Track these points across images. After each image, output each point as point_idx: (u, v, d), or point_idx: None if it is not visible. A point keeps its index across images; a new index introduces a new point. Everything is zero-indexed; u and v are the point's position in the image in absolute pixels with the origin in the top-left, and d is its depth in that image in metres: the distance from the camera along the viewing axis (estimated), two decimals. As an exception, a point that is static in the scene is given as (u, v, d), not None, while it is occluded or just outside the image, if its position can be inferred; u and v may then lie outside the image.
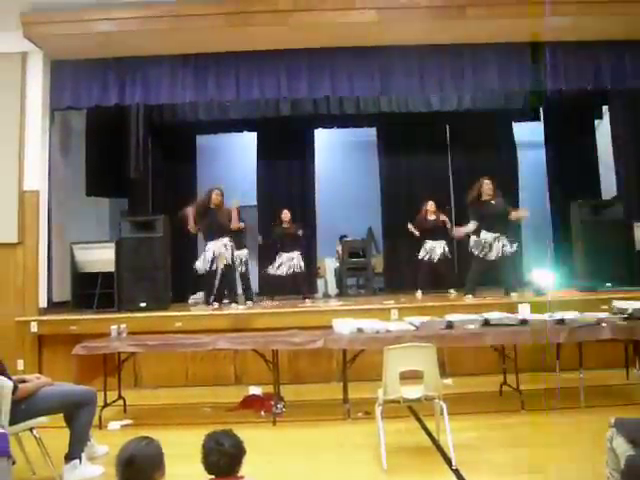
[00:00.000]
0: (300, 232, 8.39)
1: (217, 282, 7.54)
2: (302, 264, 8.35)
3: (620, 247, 7.26)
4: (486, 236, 7.05)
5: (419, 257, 8.25)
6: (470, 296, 7.03)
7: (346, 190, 10.53)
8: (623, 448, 2.79)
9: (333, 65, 7.24)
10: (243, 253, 7.99)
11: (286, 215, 8.41)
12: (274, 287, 8.66)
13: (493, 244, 7.01)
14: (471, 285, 7.20)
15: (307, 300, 7.99)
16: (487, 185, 7.16)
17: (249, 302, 7.55)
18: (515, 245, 7.05)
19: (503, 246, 6.98)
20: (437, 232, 8.19)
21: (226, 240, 7.21)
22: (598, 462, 3.46)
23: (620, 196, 8.43)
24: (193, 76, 7.18)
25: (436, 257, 8.14)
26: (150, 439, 2.27)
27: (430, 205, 8.28)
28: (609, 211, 7.56)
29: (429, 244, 8.20)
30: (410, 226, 8.31)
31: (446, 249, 8.20)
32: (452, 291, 7.91)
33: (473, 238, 7.16)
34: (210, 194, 7.30)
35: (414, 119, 9.43)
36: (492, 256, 7.00)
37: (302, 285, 8.44)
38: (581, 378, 4.81)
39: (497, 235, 7.02)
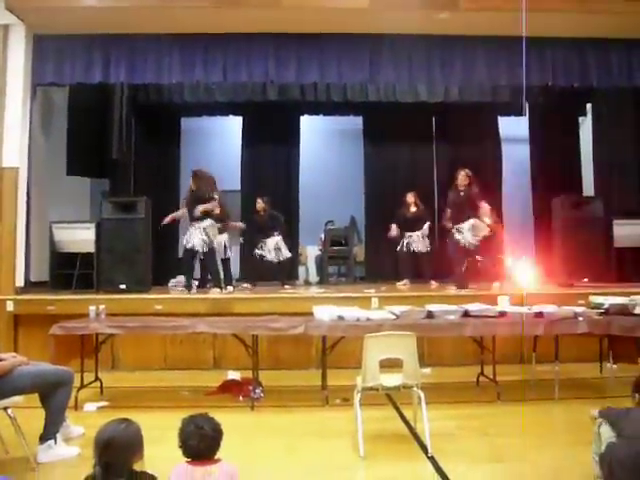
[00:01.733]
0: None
1: (198, 266, 7.49)
2: (287, 252, 8.32)
3: (599, 243, 7.37)
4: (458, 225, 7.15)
5: (398, 249, 8.29)
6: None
7: (330, 178, 10.50)
8: (607, 435, 2.88)
9: (322, 51, 7.20)
10: (224, 237, 7.92)
11: (259, 204, 8.37)
12: (255, 272, 8.61)
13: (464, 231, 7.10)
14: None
15: (286, 287, 7.98)
16: (460, 175, 7.27)
17: (229, 287, 7.52)
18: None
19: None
20: (417, 223, 8.22)
21: (207, 223, 7.13)
22: (569, 451, 3.57)
23: (600, 193, 8.54)
24: (180, 57, 7.08)
25: (416, 248, 8.17)
26: (129, 421, 2.26)
27: (409, 197, 8.31)
28: (589, 207, 7.67)
29: (408, 236, 8.23)
30: (393, 227, 8.27)
31: (426, 240, 8.23)
32: (433, 282, 7.95)
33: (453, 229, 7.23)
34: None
35: (401, 109, 9.41)
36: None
37: (282, 271, 8.43)
38: (556, 371, 4.88)
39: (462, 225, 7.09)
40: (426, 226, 8.20)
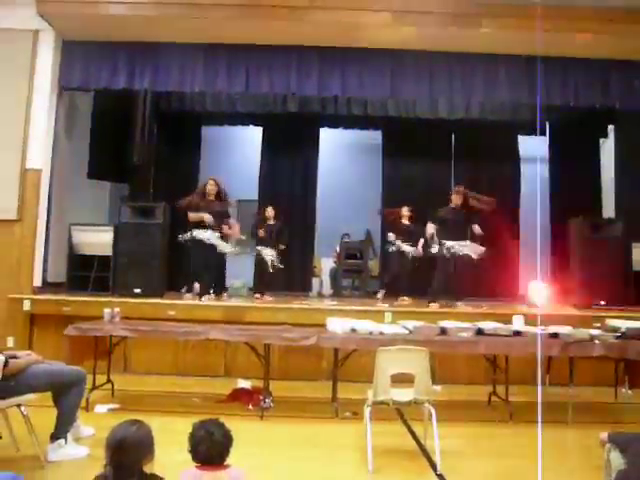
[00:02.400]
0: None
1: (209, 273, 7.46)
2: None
3: (617, 266, 7.27)
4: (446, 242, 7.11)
5: (389, 250, 8.36)
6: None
7: (347, 191, 10.54)
8: (617, 462, 2.84)
9: (344, 64, 7.25)
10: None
11: (269, 212, 8.26)
12: (267, 283, 8.56)
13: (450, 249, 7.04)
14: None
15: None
16: (454, 192, 7.30)
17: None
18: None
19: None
20: (410, 237, 8.19)
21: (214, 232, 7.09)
22: (580, 476, 3.51)
23: (620, 216, 8.45)
24: (203, 66, 7.18)
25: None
26: (141, 423, 2.27)
27: (405, 210, 8.31)
28: (608, 229, 7.58)
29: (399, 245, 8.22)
30: (390, 235, 8.32)
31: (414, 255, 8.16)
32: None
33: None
34: (205, 184, 7.28)
35: (420, 125, 9.43)
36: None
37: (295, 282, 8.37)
38: (571, 394, 4.81)
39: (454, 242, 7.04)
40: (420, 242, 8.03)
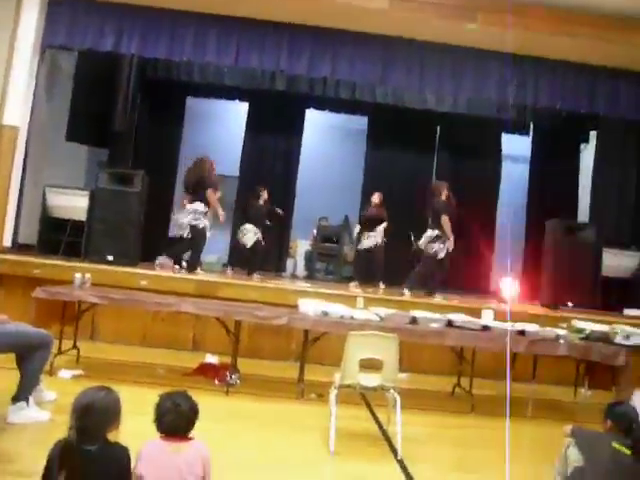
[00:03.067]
0: (280, 211, 8.36)
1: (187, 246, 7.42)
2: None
3: (587, 270, 7.41)
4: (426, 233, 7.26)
5: (357, 248, 8.40)
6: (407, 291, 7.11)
7: (329, 175, 10.51)
8: (575, 457, 2.91)
9: (336, 47, 7.20)
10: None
11: (264, 194, 8.23)
12: (242, 259, 8.51)
13: (427, 242, 7.19)
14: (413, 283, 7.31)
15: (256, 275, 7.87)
16: (434, 185, 7.46)
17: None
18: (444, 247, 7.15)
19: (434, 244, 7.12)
20: (374, 224, 8.18)
21: (198, 206, 7.09)
22: (535, 468, 3.61)
23: (593, 220, 8.60)
24: (193, 35, 7.05)
25: (365, 247, 8.23)
26: (110, 390, 2.25)
27: (375, 197, 8.27)
28: (582, 233, 7.71)
29: (367, 235, 8.23)
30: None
31: (378, 242, 8.18)
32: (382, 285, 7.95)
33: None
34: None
35: (407, 114, 9.43)
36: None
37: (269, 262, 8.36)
38: (532, 390, 4.91)
39: (432, 234, 7.16)
40: (381, 227, 8.14)
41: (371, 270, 8.30)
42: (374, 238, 8.17)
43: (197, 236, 7.12)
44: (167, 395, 2.35)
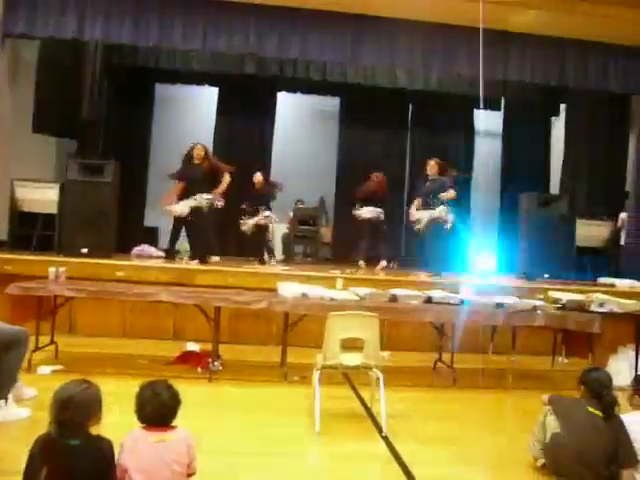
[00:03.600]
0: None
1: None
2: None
3: (561, 241, 7.53)
4: (421, 212, 7.22)
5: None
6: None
7: (302, 157, 10.44)
8: (553, 425, 2.99)
9: (304, 27, 7.12)
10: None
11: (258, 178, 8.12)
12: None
13: (423, 220, 7.13)
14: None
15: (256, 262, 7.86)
16: (429, 164, 7.34)
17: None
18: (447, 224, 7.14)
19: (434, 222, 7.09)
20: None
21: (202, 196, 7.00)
22: (516, 437, 3.69)
23: (566, 192, 8.72)
24: (158, 19, 6.90)
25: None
26: (89, 383, 2.23)
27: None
28: (555, 205, 7.81)
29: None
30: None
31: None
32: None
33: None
34: (192, 150, 7.11)
35: (379, 93, 9.41)
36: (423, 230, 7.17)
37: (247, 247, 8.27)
38: (512, 361, 5.00)
39: (430, 211, 7.12)
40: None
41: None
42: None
43: None
44: (147, 385, 2.34)
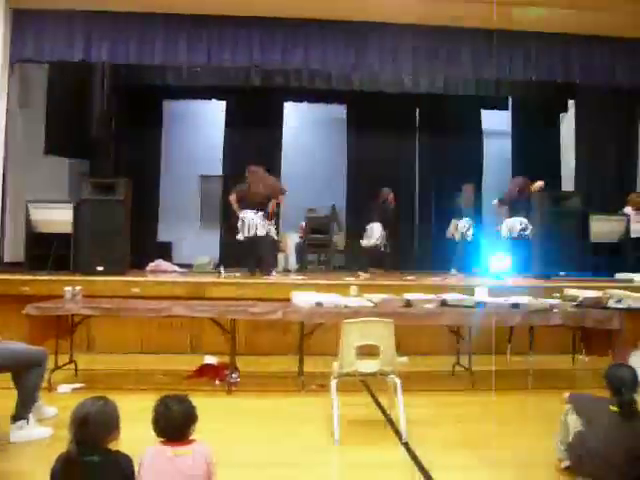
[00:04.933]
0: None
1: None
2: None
3: (576, 238, 7.46)
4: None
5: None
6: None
7: (312, 166, 10.50)
8: (574, 424, 2.94)
9: (307, 37, 7.19)
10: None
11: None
12: (234, 257, 8.46)
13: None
14: None
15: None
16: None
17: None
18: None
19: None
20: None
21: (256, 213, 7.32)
22: (539, 439, 3.63)
23: (578, 189, 8.65)
24: (164, 38, 7.02)
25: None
26: (107, 399, 2.25)
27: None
28: (568, 202, 7.75)
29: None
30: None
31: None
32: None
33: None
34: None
35: (385, 99, 9.40)
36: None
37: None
38: (530, 361, 4.95)
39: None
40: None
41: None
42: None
43: None
44: (161, 399, 2.35)
